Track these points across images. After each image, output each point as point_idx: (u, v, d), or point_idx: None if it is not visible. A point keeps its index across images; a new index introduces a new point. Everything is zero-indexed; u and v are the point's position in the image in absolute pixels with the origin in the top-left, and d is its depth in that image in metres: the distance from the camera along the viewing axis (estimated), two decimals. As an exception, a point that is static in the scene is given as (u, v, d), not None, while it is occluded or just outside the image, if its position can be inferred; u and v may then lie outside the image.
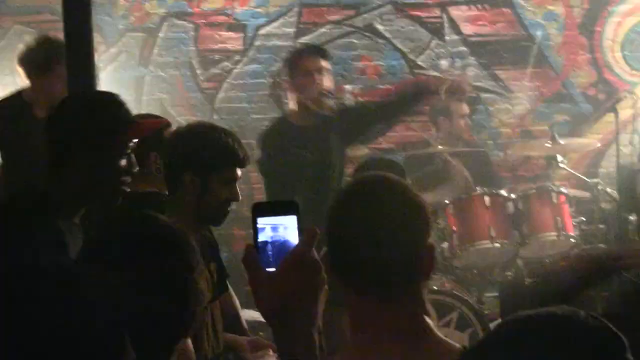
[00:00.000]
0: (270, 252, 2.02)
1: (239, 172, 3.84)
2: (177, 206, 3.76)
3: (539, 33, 7.72)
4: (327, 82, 5.68)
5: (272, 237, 2.03)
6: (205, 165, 3.77)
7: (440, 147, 6.49)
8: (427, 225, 2.23)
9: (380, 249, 2.17)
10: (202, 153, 3.78)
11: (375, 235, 2.18)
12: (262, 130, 6.02)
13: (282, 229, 2.03)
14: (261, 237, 2.02)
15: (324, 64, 5.70)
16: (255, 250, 2.01)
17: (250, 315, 4.58)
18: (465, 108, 6.91)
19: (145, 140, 3.62)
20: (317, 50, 6.02)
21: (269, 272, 2.00)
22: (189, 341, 3.41)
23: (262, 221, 2.02)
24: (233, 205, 3.85)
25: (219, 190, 3.78)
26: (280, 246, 2.02)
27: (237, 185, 3.85)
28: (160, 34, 7.65)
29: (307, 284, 2.01)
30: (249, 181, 7.54)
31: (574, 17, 7.72)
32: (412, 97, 5.96)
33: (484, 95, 7.75)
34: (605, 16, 7.73)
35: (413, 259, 2.18)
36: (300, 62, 5.75)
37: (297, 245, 2.01)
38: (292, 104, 5.84)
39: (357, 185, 2.49)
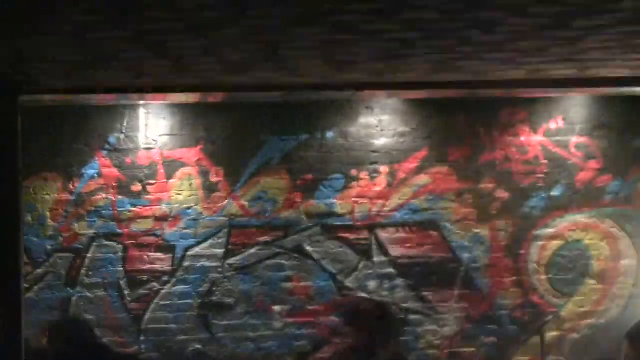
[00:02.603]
0: None
1: None
2: None
3: (465, 255, 7.83)
4: None
5: None
6: None
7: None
8: None
9: None
10: None
11: None
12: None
13: None
14: None
15: None
16: None
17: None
18: None
19: None
20: None
21: None
22: None
23: None
24: None
25: None
26: None
27: None
28: (89, 255, 7.65)
29: None
30: None
31: (500, 240, 7.85)
32: None
33: (411, 316, 7.77)
34: (530, 239, 7.87)
35: None
36: None
37: None
38: None
39: None
